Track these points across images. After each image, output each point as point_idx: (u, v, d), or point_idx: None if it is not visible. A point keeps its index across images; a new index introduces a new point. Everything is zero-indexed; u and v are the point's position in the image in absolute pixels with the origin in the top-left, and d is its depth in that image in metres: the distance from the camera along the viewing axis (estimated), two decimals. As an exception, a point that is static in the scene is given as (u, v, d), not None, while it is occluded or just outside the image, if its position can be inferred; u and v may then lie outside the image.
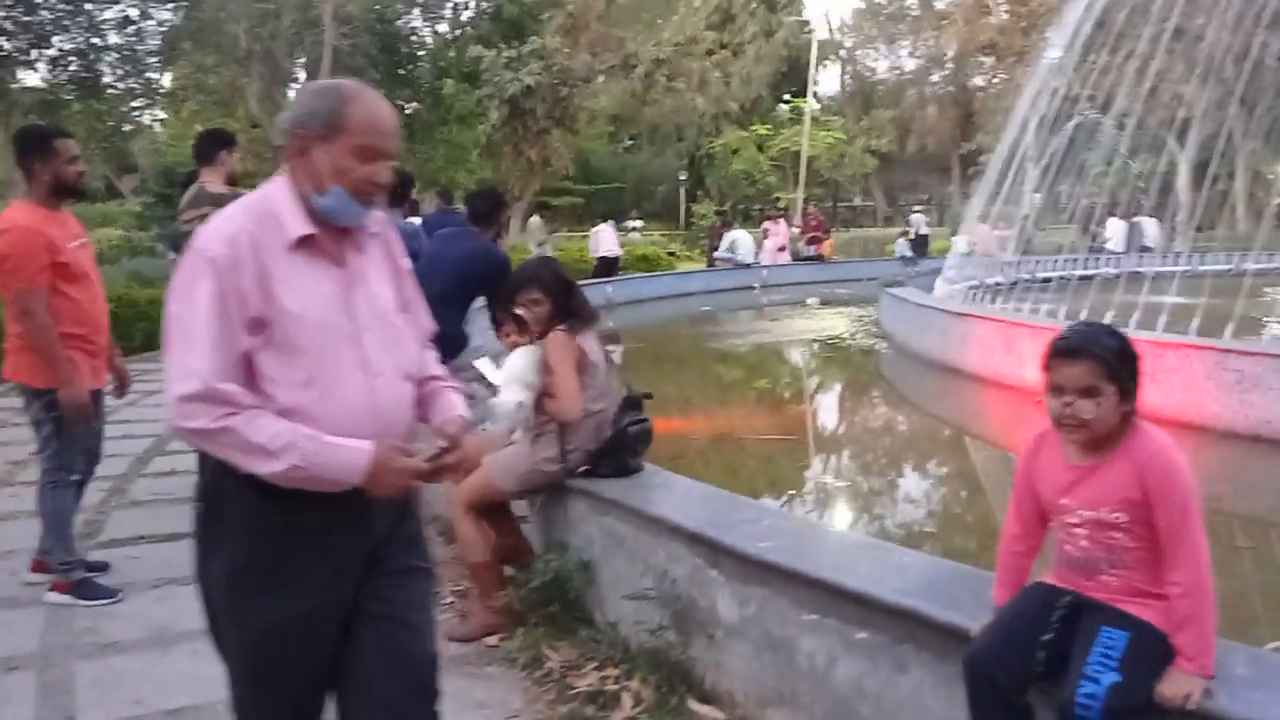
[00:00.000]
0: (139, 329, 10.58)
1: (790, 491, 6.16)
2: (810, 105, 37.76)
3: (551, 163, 29.68)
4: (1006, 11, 43.16)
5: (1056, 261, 16.68)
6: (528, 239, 22.17)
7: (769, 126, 40.85)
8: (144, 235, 20.18)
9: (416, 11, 32.74)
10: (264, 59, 26.32)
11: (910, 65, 53.52)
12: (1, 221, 3.92)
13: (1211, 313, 8.79)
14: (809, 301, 18.17)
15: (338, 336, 1.88)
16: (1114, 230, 21.12)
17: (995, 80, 46.93)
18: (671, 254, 27.39)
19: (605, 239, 20.19)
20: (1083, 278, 12.86)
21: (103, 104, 23.02)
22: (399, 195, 5.72)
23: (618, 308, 15.62)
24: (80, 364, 3.94)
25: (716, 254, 22.25)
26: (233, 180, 5.38)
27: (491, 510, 3.84)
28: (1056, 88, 14.93)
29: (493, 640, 3.63)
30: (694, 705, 3.05)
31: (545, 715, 3.12)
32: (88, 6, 20.57)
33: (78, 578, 3.97)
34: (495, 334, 5.09)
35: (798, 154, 36.33)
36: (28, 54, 20.24)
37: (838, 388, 10.86)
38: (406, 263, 2.12)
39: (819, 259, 24.03)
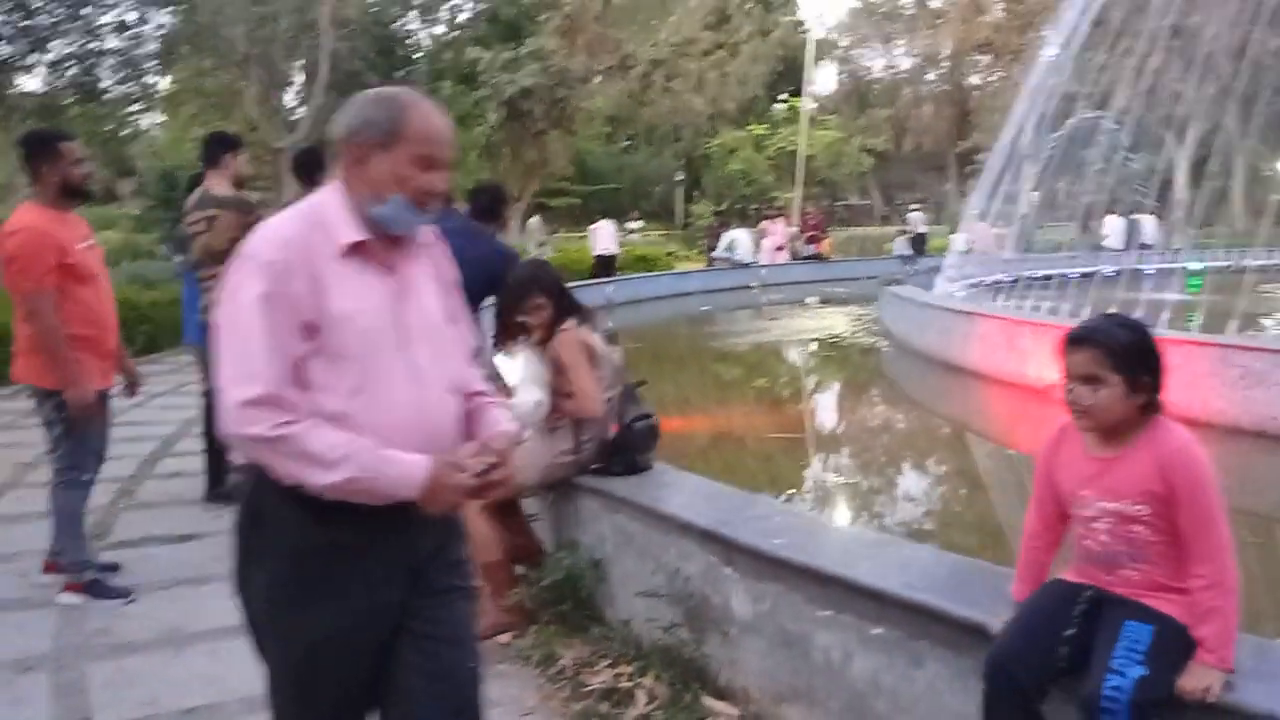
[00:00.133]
0: (140, 331, 10.59)
1: (797, 489, 6.17)
2: (806, 105, 37.73)
3: (550, 164, 29.68)
4: (1002, 10, 43.17)
5: (1055, 259, 16.72)
6: (527, 239, 22.17)
7: (766, 126, 40.87)
8: (143, 238, 20.17)
9: (413, 14, 32.74)
10: (261, 62, 26.25)
11: (906, 64, 53.58)
12: (10, 223, 3.95)
13: (1212, 309, 8.84)
14: (808, 300, 18.20)
15: (388, 345, 1.87)
16: (1112, 228, 21.18)
17: (991, 79, 46.97)
18: (670, 254, 27.43)
19: (603, 236, 20.15)
20: (1082, 275, 12.87)
21: (101, 108, 23.00)
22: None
23: (616, 308, 15.64)
24: (89, 365, 3.95)
25: (715, 254, 22.28)
26: (239, 183, 5.39)
27: (503, 509, 3.86)
28: (1054, 85, 14.95)
29: (505, 638, 3.64)
30: (708, 701, 3.06)
31: (560, 713, 3.13)
32: (85, 11, 20.53)
33: (89, 578, 3.98)
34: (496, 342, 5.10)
35: (794, 153, 36.35)
36: (26, 58, 20.22)
37: (840, 386, 10.87)
38: (454, 275, 2.10)
39: (819, 258, 24.06)
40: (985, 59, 47.16)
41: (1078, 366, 2.11)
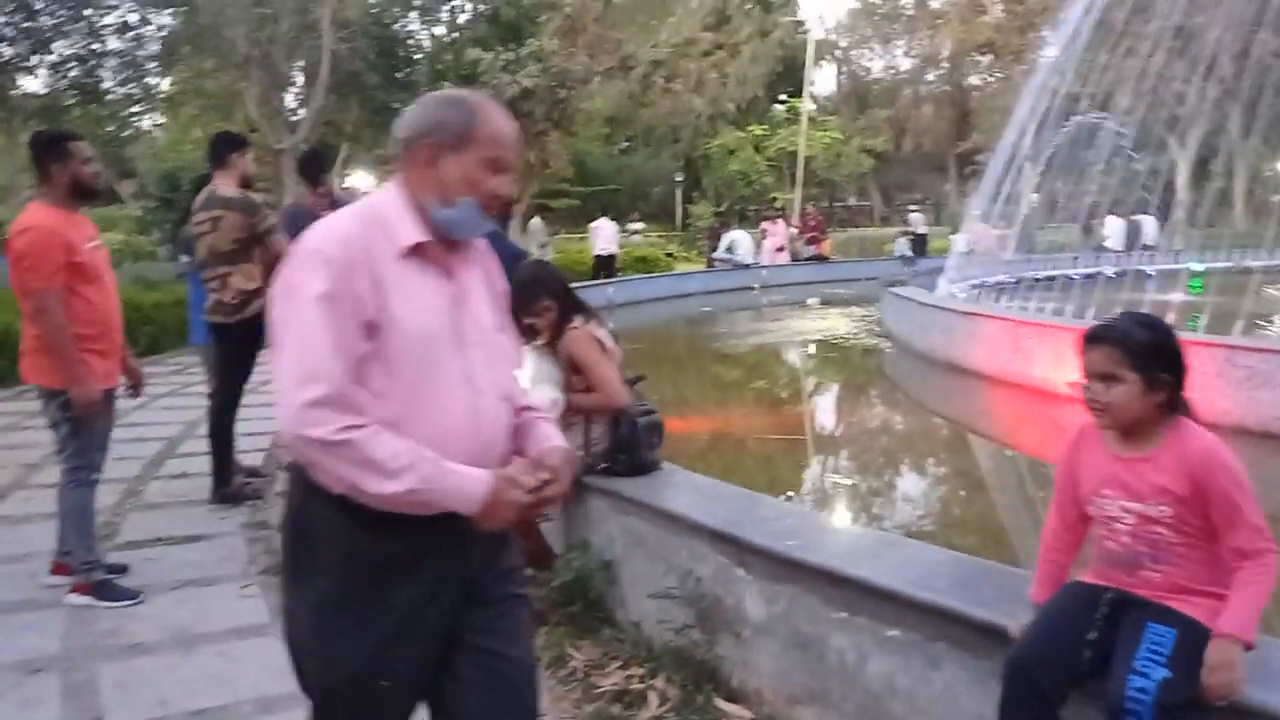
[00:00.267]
0: (143, 332, 10.60)
1: (803, 491, 6.17)
2: (806, 105, 37.73)
3: (550, 165, 29.68)
4: (1003, 10, 43.17)
5: (1058, 260, 16.74)
6: (529, 241, 22.16)
7: (765, 127, 40.88)
8: (145, 240, 20.17)
9: (414, 15, 32.75)
10: (262, 63, 26.24)
11: (906, 65, 53.61)
12: (19, 222, 3.96)
13: (1216, 310, 8.84)
14: (809, 301, 18.19)
15: (445, 350, 1.82)
16: (1113, 229, 21.17)
17: (991, 79, 47.01)
18: (669, 255, 27.43)
19: (603, 235, 20.08)
20: (1084, 276, 12.87)
21: (103, 109, 23.04)
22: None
23: (617, 309, 15.62)
24: (94, 365, 3.94)
25: (715, 255, 22.27)
26: (246, 183, 5.39)
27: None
28: (1055, 86, 14.96)
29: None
30: (721, 704, 3.05)
31: (571, 714, 3.12)
32: (87, 12, 20.56)
33: (98, 579, 3.97)
34: None
35: (794, 154, 36.35)
36: (28, 60, 20.24)
37: (843, 387, 10.86)
38: (504, 285, 2.07)
39: (820, 259, 24.05)
40: (985, 59, 47.18)
41: (1095, 364, 2.12)
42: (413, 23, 32.99)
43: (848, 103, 52.96)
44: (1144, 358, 2.08)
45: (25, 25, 19.78)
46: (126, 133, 28.24)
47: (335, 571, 1.80)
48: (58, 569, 4.14)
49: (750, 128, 40.49)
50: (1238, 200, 32.52)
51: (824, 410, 9.54)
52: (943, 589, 2.54)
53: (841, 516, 5.53)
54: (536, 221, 24.25)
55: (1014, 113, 15.35)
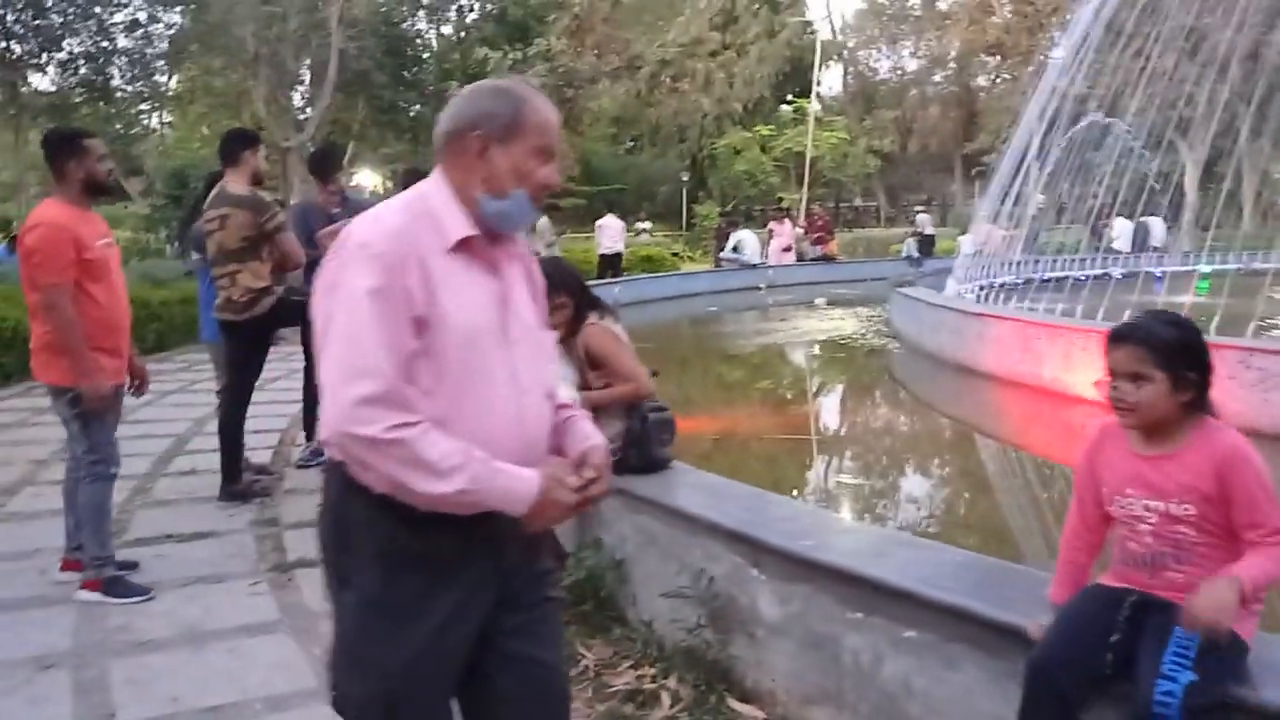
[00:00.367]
0: (151, 330, 10.61)
1: (815, 491, 6.15)
2: (814, 106, 37.70)
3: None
4: (1011, 12, 43.10)
5: (1066, 261, 16.69)
6: (536, 239, 22.13)
7: (772, 127, 40.85)
8: (152, 237, 20.20)
9: (422, 14, 32.81)
10: (270, 62, 26.32)
11: (912, 65, 53.60)
12: (31, 218, 3.98)
13: (1226, 312, 8.80)
14: (816, 302, 18.15)
15: (491, 346, 1.78)
16: (1120, 230, 21.10)
17: (998, 80, 46.96)
18: (675, 255, 27.39)
19: (609, 233, 19.93)
20: (1095, 278, 12.83)
21: (111, 107, 23.14)
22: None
23: (623, 308, 15.57)
24: (102, 362, 3.94)
25: (721, 254, 22.22)
26: (257, 180, 5.39)
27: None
28: (1064, 88, 14.92)
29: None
30: (734, 704, 3.04)
31: (584, 713, 3.11)
32: (97, 10, 20.63)
33: (109, 575, 3.97)
34: None
35: (800, 154, 36.31)
36: (38, 57, 20.32)
37: (852, 387, 10.83)
38: (543, 282, 2.04)
39: (827, 259, 24.00)
40: (992, 60, 47.14)
41: (1121, 364, 2.10)
42: (421, 22, 33.10)
43: (854, 103, 52.91)
44: (1171, 356, 2.07)
45: (35, 23, 19.87)
46: (135, 130, 28.32)
47: (377, 570, 1.77)
48: (67, 565, 4.14)
49: (757, 128, 40.45)
50: (1246, 202, 32.43)
51: (834, 410, 9.52)
52: (960, 589, 2.52)
53: (854, 517, 5.51)
54: (544, 221, 24.18)
55: (1023, 114, 15.32)
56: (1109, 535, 2.28)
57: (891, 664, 2.64)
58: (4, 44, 20.05)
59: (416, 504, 1.69)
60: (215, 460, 5.46)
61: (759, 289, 19.91)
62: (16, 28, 19.32)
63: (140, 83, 23.56)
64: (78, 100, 22.06)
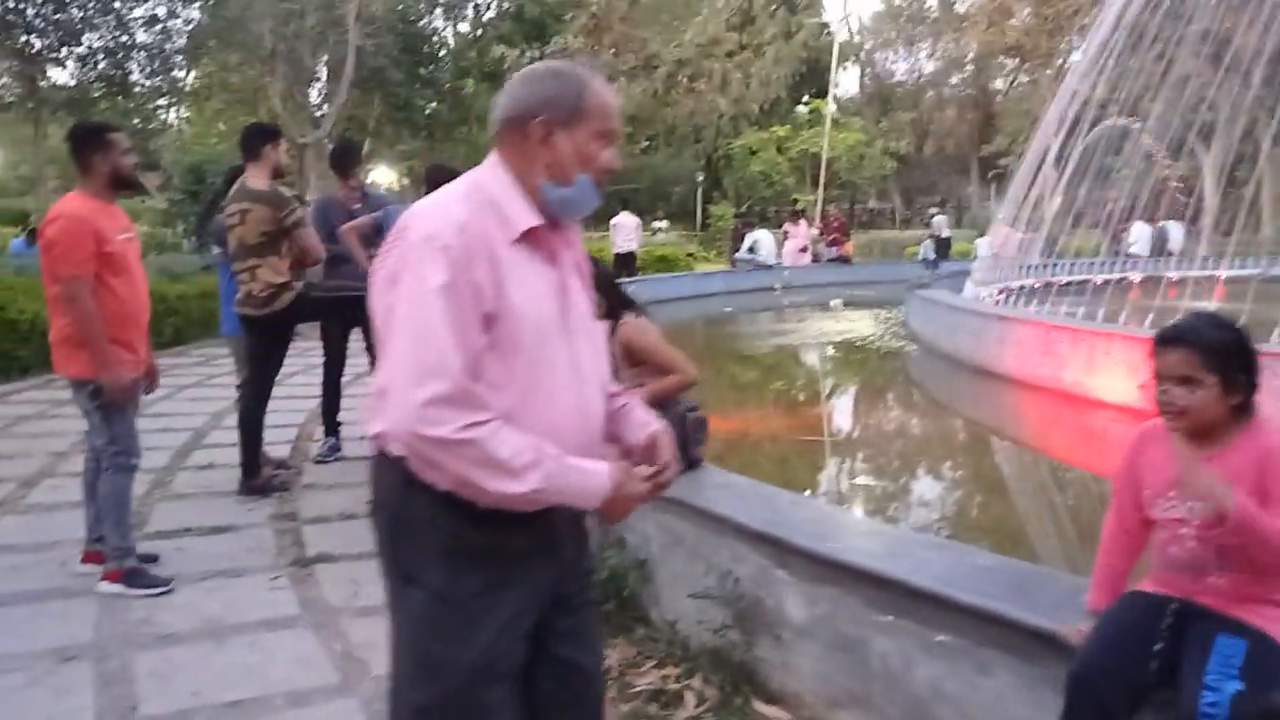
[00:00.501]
0: (169, 324, 10.64)
1: (837, 492, 6.11)
2: (830, 107, 37.58)
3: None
4: (1030, 14, 42.88)
5: (1085, 265, 16.60)
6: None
7: (788, 128, 40.73)
8: (170, 232, 20.27)
9: (439, 11, 32.87)
10: (287, 58, 26.42)
11: (929, 67, 53.38)
12: (53, 210, 3.98)
13: (1250, 319, 8.71)
14: (832, 303, 18.10)
15: (555, 338, 1.75)
16: (1138, 234, 20.98)
17: (1016, 83, 46.74)
18: (690, 255, 27.33)
19: (623, 232, 19.77)
20: (1115, 281, 12.75)
21: (130, 101, 23.26)
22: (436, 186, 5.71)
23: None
24: (121, 354, 3.94)
25: (737, 255, 22.16)
26: (278, 174, 5.38)
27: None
28: (1084, 91, 14.82)
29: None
30: (759, 706, 3.01)
31: (608, 713, 3.08)
32: (116, 5, 20.75)
33: (130, 566, 3.96)
34: None
35: (816, 155, 36.20)
36: (57, 51, 20.43)
37: (870, 389, 10.78)
38: (590, 270, 2.01)
39: (843, 261, 23.93)
40: (1011, 63, 46.91)
41: (1171, 368, 2.06)
42: (438, 19, 33.17)
43: (871, 105, 52.68)
44: (1222, 359, 2.03)
45: (55, 17, 19.97)
46: (152, 125, 28.46)
47: (443, 567, 1.73)
48: (88, 557, 4.13)
49: (773, 128, 40.34)
50: (1266, 207, 32.18)
51: (851, 412, 9.47)
52: (992, 593, 2.49)
53: (880, 519, 5.48)
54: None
55: (1042, 117, 15.23)
56: (1149, 540, 2.24)
57: (922, 668, 2.60)
58: (24, 38, 20.21)
59: (488, 503, 1.66)
60: (233, 454, 5.46)
61: (774, 290, 19.85)
62: (36, 22, 19.44)
63: (158, 78, 23.68)
64: (96, 95, 22.18)
